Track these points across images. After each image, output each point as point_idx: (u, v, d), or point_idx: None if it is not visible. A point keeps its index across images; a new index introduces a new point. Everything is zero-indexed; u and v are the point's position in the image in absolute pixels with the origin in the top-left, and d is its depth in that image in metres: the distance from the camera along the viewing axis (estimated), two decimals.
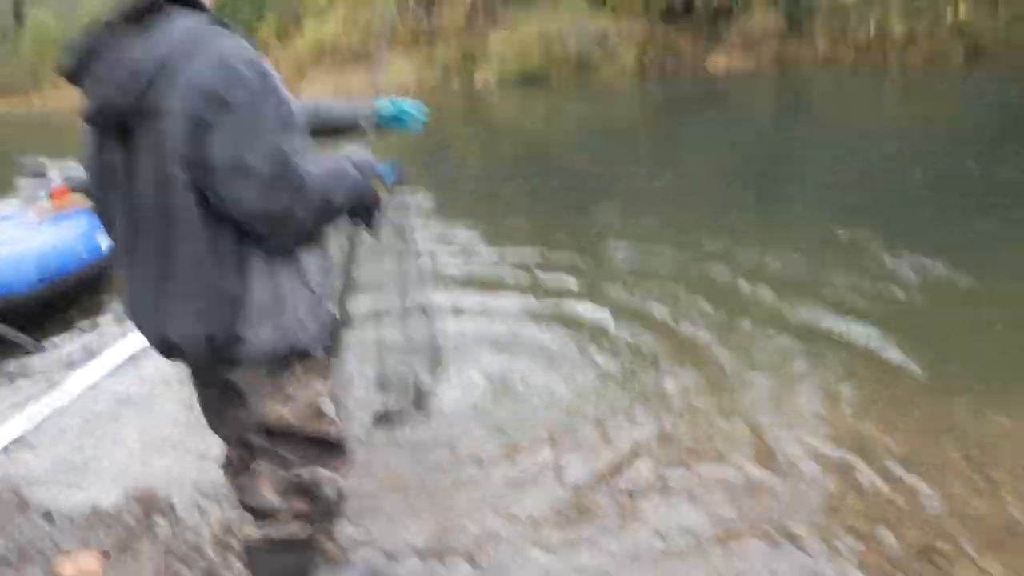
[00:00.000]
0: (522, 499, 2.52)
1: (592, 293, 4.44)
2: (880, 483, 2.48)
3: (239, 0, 25.06)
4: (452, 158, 10.51)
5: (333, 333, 1.71)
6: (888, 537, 2.21)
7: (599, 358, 3.56)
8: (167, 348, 1.57)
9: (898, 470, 2.53)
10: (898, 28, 15.63)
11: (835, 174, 7.19)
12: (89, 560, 2.35)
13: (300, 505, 1.74)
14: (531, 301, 4.38)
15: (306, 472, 1.71)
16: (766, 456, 2.68)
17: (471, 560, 2.23)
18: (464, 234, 6.10)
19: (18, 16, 30.87)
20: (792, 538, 2.24)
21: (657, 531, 2.31)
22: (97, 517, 2.58)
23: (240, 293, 1.51)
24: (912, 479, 2.48)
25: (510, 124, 13.93)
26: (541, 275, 4.85)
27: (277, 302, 1.55)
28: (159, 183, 1.45)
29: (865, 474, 2.53)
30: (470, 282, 4.85)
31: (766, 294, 4.18)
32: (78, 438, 3.16)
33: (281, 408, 1.64)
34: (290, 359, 1.61)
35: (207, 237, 1.47)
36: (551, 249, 5.37)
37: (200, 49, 1.42)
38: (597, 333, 3.84)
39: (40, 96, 26.97)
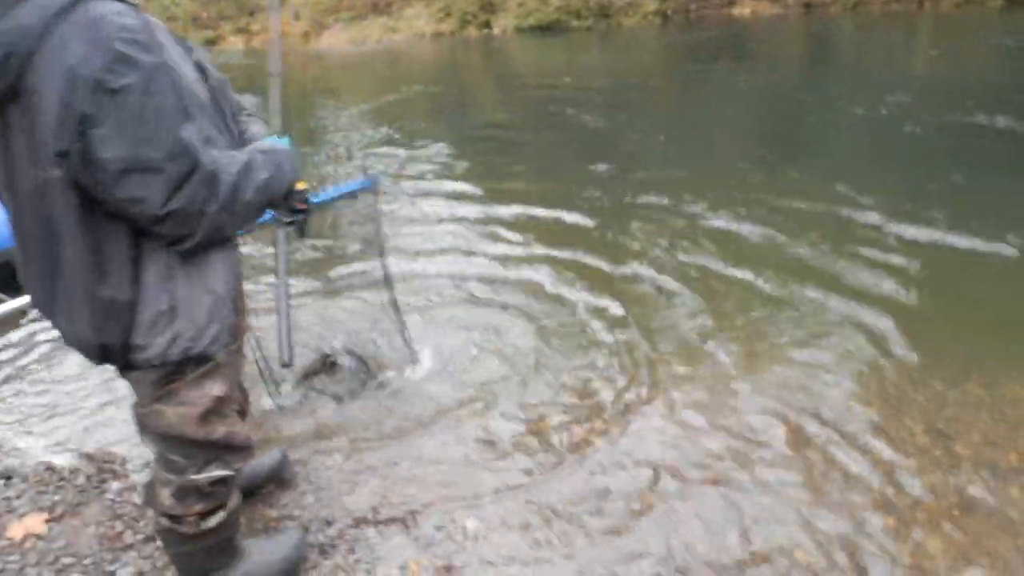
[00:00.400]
0: (463, 466, 2.49)
1: (584, 250, 4.32)
2: (833, 449, 2.41)
3: None
4: (466, 108, 10.28)
5: (236, 333, 1.62)
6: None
7: (566, 315, 3.51)
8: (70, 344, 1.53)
9: (857, 436, 2.46)
10: None
11: (852, 131, 6.82)
12: (36, 522, 2.37)
13: (198, 507, 1.71)
14: (511, 260, 4.29)
15: (199, 477, 1.67)
16: (726, 416, 2.62)
17: (405, 527, 2.20)
18: (464, 186, 6.01)
19: None
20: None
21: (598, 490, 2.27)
22: (51, 476, 2.60)
23: (132, 301, 1.42)
24: (873, 447, 2.40)
25: (527, 74, 13.57)
26: (540, 231, 4.74)
27: (174, 308, 1.45)
28: (35, 181, 1.32)
29: (820, 438, 2.46)
30: (460, 235, 4.79)
31: (765, 260, 3.95)
32: (36, 397, 3.19)
33: (171, 412, 1.58)
34: (184, 364, 1.54)
35: (93, 242, 1.36)
36: (551, 206, 5.19)
37: (74, 19, 1.24)
38: (569, 291, 3.77)
39: None
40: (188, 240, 1.41)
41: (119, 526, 2.32)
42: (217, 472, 1.69)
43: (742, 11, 17.30)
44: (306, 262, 4.37)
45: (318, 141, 8.95)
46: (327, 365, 3.17)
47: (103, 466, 2.65)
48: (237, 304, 1.61)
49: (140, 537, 2.26)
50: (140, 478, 2.55)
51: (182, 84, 1.35)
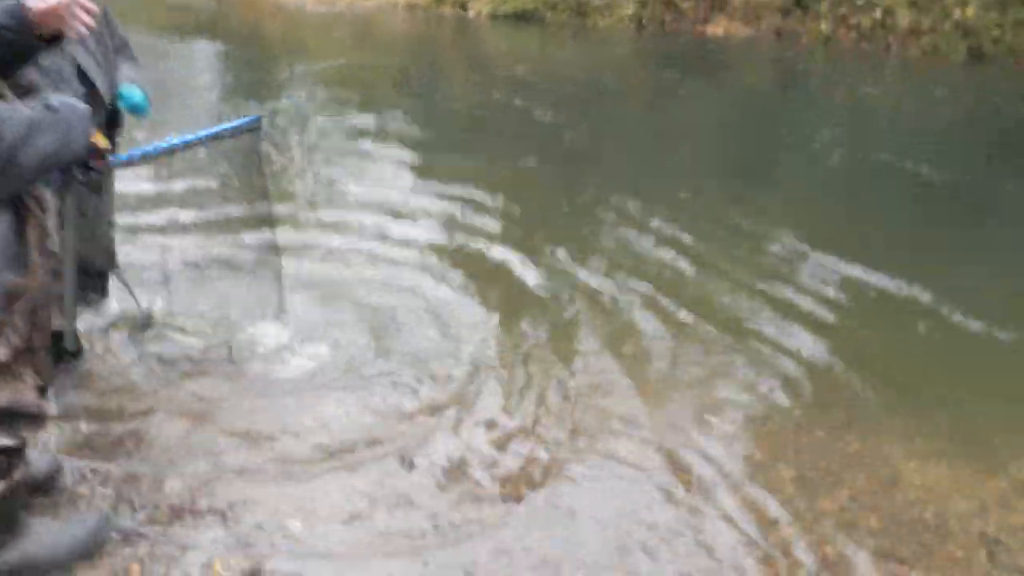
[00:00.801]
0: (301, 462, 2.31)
1: (500, 244, 4.17)
2: (707, 490, 2.30)
3: None
4: (432, 85, 9.96)
5: (10, 297, 1.43)
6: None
7: (486, 312, 3.36)
8: None
9: (733, 476, 2.36)
10: (903, 18, 15.13)
11: (816, 162, 6.73)
12: None
13: None
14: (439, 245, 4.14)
15: None
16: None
17: (223, 521, 2.01)
18: (405, 160, 5.85)
19: None
20: None
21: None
22: None
23: None
24: (745, 491, 2.30)
25: (498, 59, 13.36)
26: (463, 219, 4.58)
27: None
28: None
29: (700, 476, 2.35)
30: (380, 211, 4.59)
31: (688, 288, 3.82)
32: None
33: None
34: None
35: None
36: (489, 194, 5.02)
37: None
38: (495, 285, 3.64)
39: None
40: None
41: None
42: (3, 442, 1.50)
43: (715, 30, 17.33)
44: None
45: (271, 95, 8.64)
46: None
47: None
48: (14, 267, 1.40)
49: None
50: None
51: None
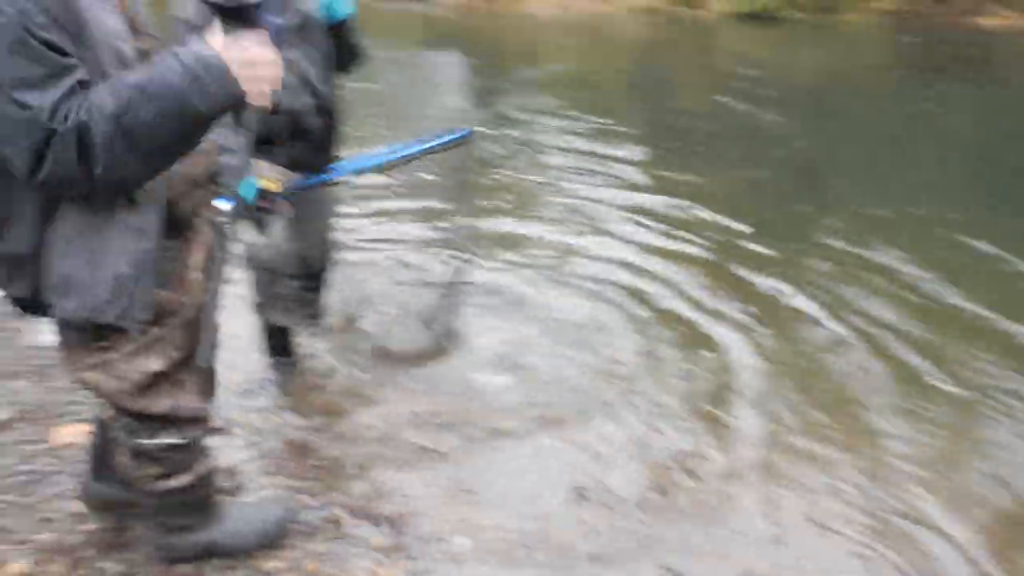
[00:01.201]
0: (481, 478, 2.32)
1: (722, 260, 3.97)
2: None
3: None
4: (661, 92, 9.67)
5: (160, 309, 1.49)
6: None
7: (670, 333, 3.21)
8: None
9: None
10: None
11: None
12: (80, 431, 2.48)
13: (152, 470, 1.68)
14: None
15: (149, 443, 1.63)
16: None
17: (393, 528, 2.07)
18: (628, 169, 5.73)
19: None
20: None
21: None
22: None
23: (36, 258, 1.36)
24: None
25: (732, 62, 12.76)
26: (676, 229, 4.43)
27: (73, 277, 1.36)
28: None
29: None
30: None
31: (958, 329, 3.29)
32: None
33: (105, 383, 1.52)
34: (101, 330, 1.45)
35: (3, 197, 1.31)
36: (706, 205, 4.82)
37: None
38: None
39: None
40: (95, 197, 1.32)
41: None
42: (167, 440, 1.63)
43: (989, 21, 15.27)
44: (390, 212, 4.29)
45: (492, 101, 8.95)
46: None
47: None
48: (167, 285, 1.50)
49: None
50: None
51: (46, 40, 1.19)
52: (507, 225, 4.50)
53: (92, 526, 1.99)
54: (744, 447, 2.49)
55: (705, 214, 4.76)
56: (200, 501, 1.82)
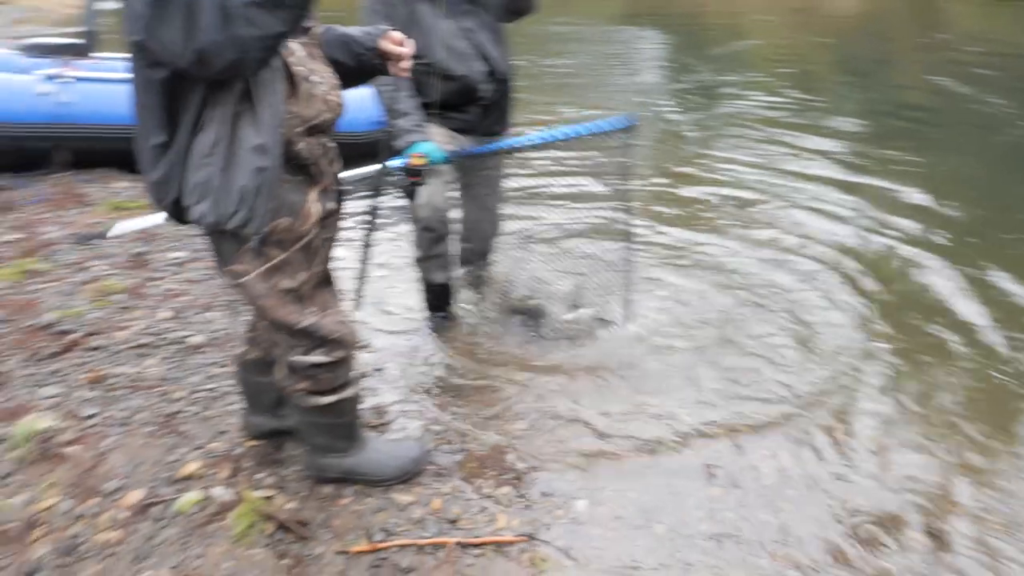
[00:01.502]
0: (612, 445, 2.32)
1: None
2: None
3: None
4: (878, 74, 8.85)
5: (279, 229, 1.65)
6: None
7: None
8: None
9: None
10: None
11: None
12: None
13: (301, 385, 1.86)
14: None
15: (298, 359, 1.81)
16: None
17: (515, 485, 2.13)
18: (832, 167, 5.25)
19: None
20: None
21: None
22: None
23: (175, 166, 1.55)
24: None
25: (958, 41, 11.48)
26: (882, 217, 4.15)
27: (208, 183, 1.54)
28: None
29: None
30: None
31: None
32: None
33: (239, 285, 1.71)
34: (235, 239, 1.63)
35: (161, 108, 1.51)
36: (918, 192, 4.48)
37: None
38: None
39: None
40: (243, 68, 1.46)
41: None
42: (316, 358, 1.81)
43: None
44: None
45: (691, 77, 8.69)
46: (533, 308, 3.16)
47: None
48: (290, 213, 1.67)
49: None
50: None
51: None
52: (704, 195, 4.49)
53: (255, 442, 2.23)
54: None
55: (917, 198, 4.47)
56: (344, 425, 1.99)
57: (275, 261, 1.69)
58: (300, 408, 1.93)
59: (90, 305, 3.04)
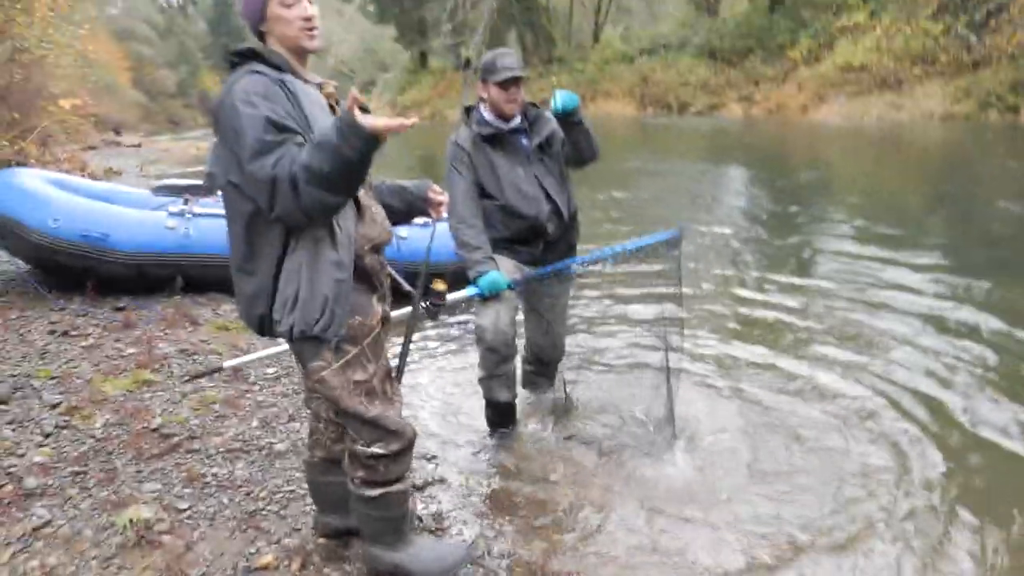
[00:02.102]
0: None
1: None
2: None
3: (776, 24, 25.44)
4: (971, 216, 8.33)
5: (353, 331, 1.96)
6: None
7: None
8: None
9: None
10: None
11: None
12: None
13: (360, 473, 2.11)
14: None
15: (361, 449, 2.07)
16: None
17: None
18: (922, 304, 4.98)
19: (596, 36, 36.19)
20: None
21: None
22: None
23: (272, 288, 1.89)
24: None
25: None
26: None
27: (295, 298, 1.87)
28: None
29: None
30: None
31: None
32: None
33: (328, 393, 2.00)
34: (317, 342, 1.93)
35: (250, 242, 1.89)
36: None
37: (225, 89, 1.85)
38: None
39: (594, 105, 31.26)
40: (311, 225, 1.84)
41: None
42: (376, 449, 2.06)
43: None
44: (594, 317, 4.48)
45: (771, 208, 8.84)
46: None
47: None
48: (361, 313, 1.99)
49: None
50: None
51: (276, 122, 1.77)
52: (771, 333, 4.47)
53: (325, 540, 2.45)
54: None
55: (1011, 332, 4.31)
56: (391, 519, 2.19)
57: (350, 356, 1.98)
58: (355, 497, 2.16)
59: (192, 413, 3.41)
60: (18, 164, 6.70)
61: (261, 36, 1.97)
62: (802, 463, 3.00)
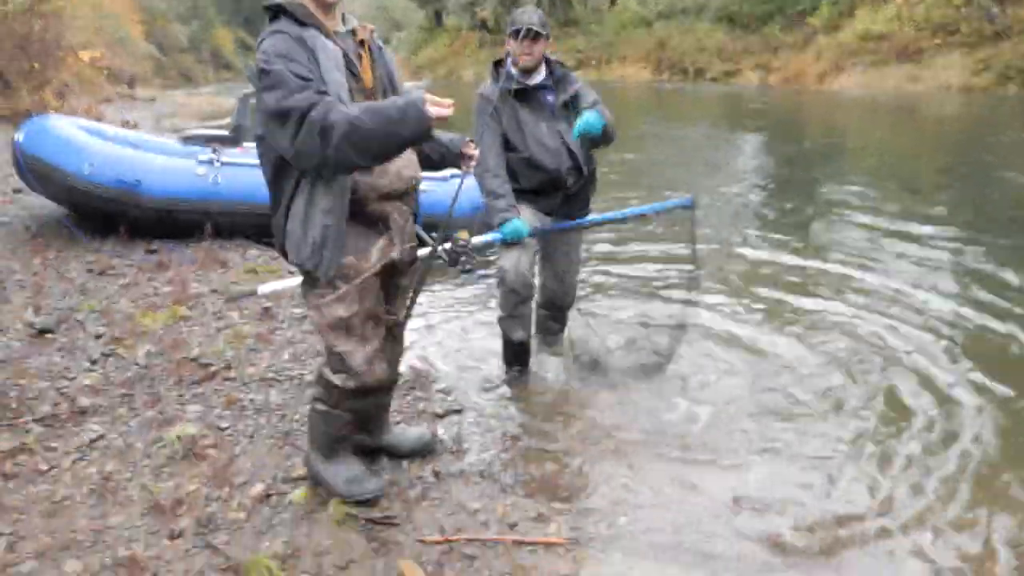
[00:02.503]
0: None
1: None
2: None
3: None
4: (984, 188, 8.19)
5: (342, 271, 2.16)
6: None
7: None
8: None
9: None
10: None
11: None
12: None
13: (319, 389, 2.38)
14: None
15: (324, 368, 2.33)
16: None
17: (567, 500, 2.49)
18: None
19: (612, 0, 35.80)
20: None
21: None
22: None
23: (283, 223, 2.16)
24: None
25: None
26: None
27: (295, 232, 2.12)
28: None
29: None
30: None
31: None
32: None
33: (316, 316, 2.26)
34: (312, 275, 2.17)
35: (275, 184, 2.16)
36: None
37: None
38: None
39: (609, 69, 31.07)
40: (323, 171, 2.03)
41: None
42: (334, 379, 2.30)
43: None
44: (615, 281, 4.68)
45: (789, 180, 8.97)
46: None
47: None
48: (354, 253, 2.18)
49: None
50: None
51: (297, 73, 1.96)
52: (798, 303, 4.48)
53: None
54: None
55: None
56: (327, 434, 2.44)
57: (340, 292, 2.19)
58: (311, 402, 2.45)
59: (227, 346, 3.65)
60: (38, 114, 6.87)
61: None
62: (804, 409, 3.20)
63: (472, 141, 2.40)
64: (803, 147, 11.81)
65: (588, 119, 3.01)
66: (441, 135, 2.36)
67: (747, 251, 5.59)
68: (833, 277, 4.92)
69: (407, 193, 2.30)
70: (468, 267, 2.58)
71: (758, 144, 12.35)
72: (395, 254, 2.28)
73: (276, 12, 2.10)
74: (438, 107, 1.90)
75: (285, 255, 2.23)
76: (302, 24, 2.07)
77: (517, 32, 3.13)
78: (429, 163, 2.40)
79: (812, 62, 22.89)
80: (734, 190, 8.12)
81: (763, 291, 4.63)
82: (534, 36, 3.14)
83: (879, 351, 3.71)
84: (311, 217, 2.10)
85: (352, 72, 2.13)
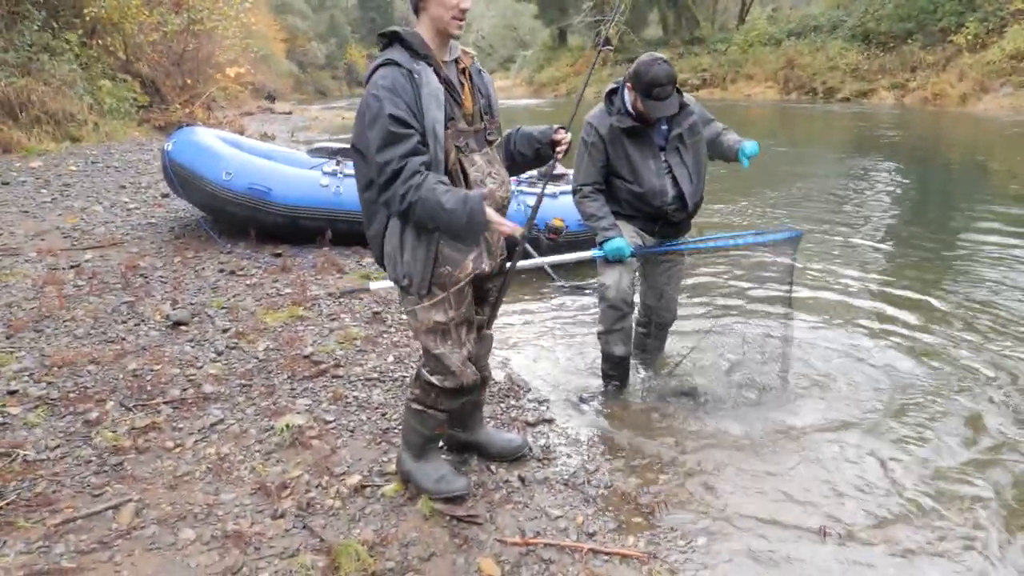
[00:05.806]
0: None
1: None
2: None
3: (941, 7, 23.77)
4: None
5: (434, 284, 2.29)
6: None
7: None
8: None
9: None
10: None
11: None
12: None
13: (416, 390, 2.50)
14: None
15: (423, 370, 2.45)
16: None
17: (648, 515, 2.51)
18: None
19: (742, 16, 35.03)
20: None
21: None
22: None
23: (381, 243, 2.33)
24: None
25: None
26: None
27: (392, 255, 2.28)
28: None
29: None
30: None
31: None
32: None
33: (414, 323, 2.39)
34: (406, 288, 2.31)
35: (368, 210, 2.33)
36: None
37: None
38: None
39: (735, 88, 30.35)
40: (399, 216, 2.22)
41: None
42: (433, 379, 2.42)
43: None
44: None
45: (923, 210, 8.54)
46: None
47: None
48: (449, 262, 2.30)
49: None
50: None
51: (397, 117, 2.10)
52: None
53: (448, 455, 2.82)
54: None
55: None
56: (420, 434, 2.55)
57: (437, 299, 2.32)
58: (406, 404, 2.56)
59: (338, 345, 3.88)
60: (187, 125, 7.51)
61: (416, 10, 2.24)
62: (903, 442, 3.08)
63: (562, 128, 2.46)
64: (945, 169, 11.13)
65: (750, 150, 3.25)
66: (532, 129, 2.48)
67: (864, 281, 5.37)
68: (968, 310, 4.65)
69: (498, 210, 2.40)
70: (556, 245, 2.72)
71: (891, 168, 11.76)
72: (486, 266, 2.39)
73: (391, 39, 2.24)
74: (495, 217, 2.13)
75: (383, 266, 2.39)
76: (415, 54, 2.19)
77: (649, 91, 3.04)
78: (526, 161, 2.52)
79: (954, 82, 21.53)
80: (859, 229, 7.78)
81: (881, 318, 4.45)
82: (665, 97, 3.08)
83: (1015, 386, 3.50)
84: (406, 241, 2.25)
85: (455, 99, 2.26)
